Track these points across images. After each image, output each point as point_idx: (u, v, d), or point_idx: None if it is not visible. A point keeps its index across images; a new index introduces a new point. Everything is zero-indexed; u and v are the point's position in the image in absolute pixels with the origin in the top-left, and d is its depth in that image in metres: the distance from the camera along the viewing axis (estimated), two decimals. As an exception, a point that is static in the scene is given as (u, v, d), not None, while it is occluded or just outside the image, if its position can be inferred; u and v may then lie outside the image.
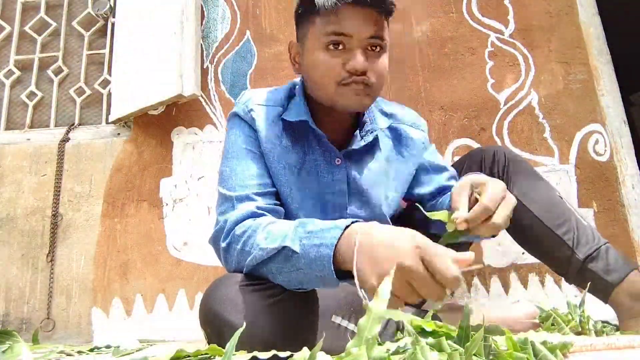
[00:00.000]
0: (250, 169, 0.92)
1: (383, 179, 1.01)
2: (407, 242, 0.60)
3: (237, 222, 0.83)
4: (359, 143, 0.98)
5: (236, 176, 0.91)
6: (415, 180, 1.08)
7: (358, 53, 0.86)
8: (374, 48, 0.88)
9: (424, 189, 1.07)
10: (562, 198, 1.03)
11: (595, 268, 0.94)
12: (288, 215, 0.96)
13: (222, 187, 0.92)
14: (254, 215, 0.84)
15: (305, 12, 0.92)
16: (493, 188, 0.75)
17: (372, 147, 1.01)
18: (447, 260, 0.57)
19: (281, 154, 0.95)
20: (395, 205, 1.06)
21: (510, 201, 0.75)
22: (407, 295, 0.59)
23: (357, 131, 0.98)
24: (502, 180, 0.97)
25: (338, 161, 0.96)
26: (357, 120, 1.00)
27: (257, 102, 0.98)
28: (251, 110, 0.96)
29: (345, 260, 0.65)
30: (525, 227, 1.02)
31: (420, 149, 1.06)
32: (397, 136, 1.05)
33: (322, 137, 0.95)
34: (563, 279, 1.04)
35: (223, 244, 0.83)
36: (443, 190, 1.06)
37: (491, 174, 1.04)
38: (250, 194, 0.88)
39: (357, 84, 0.87)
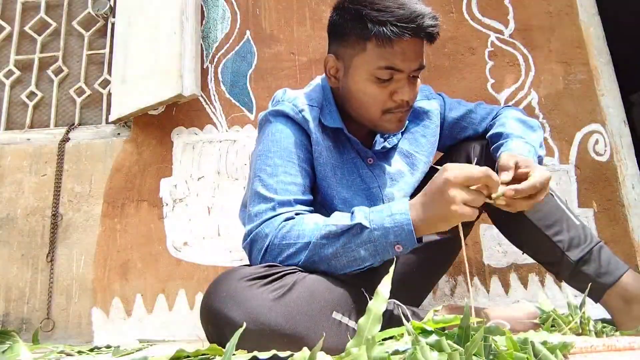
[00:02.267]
0: (293, 172, 0.92)
1: (414, 155, 1.08)
2: (442, 183, 0.73)
3: (281, 224, 0.84)
4: (383, 144, 1.04)
5: (278, 177, 0.90)
6: (456, 132, 1.14)
7: (407, 86, 0.90)
8: (416, 76, 0.92)
9: (467, 134, 1.13)
10: (552, 194, 1.01)
11: (587, 271, 0.93)
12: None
13: (261, 185, 0.90)
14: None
15: (354, 34, 0.89)
16: (541, 170, 0.82)
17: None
18: (469, 168, 0.72)
19: (327, 156, 0.97)
20: (428, 164, 1.11)
21: (549, 187, 0.83)
22: (472, 214, 0.72)
23: (378, 136, 1.05)
24: None
25: (370, 160, 1.02)
26: None
27: (305, 102, 0.97)
28: (302, 110, 0.96)
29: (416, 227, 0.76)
30: (515, 227, 1.02)
31: (438, 116, 1.12)
32: (415, 115, 1.09)
33: (355, 143, 1.00)
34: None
35: (265, 245, 0.83)
36: (488, 125, 1.11)
37: None
38: (292, 199, 0.89)
39: (401, 112, 0.93)
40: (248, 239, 0.87)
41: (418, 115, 1.09)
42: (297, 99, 0.98)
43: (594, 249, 0.95)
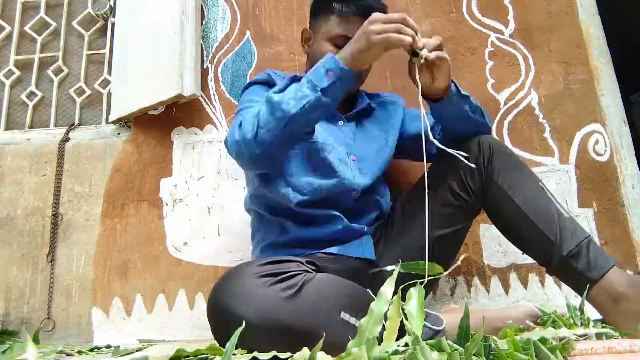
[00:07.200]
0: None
1: (379, 132, 1.29)
2: (364, 23, 0.98)
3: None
4: (357, 107, 1.29)
5: (252, 106, 1.09)
6: (412, 125, 1.34)
7: None
8: None
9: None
10: (544, 188, 1.04)
11: (576, 264, 0.94)
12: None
13: (243, 112, 1.11)
14: None
15: (322, 11, 1.23)
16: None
17: (366, 113, 1.31)
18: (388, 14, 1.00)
19: None
20: (393, 145, 1.30)
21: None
22: (396, 39, 0.97)
23: (354, 102, 1.31)
24: (487, 169, 1.06)
25: (341, 122, 1.25)
26: (351, 99, 1.31)
27: (279, 74, 1.27)
28: (268, 74, 1.24)
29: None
30: (508, 218, 1.04)
31: (401, 106, 1.37)
32: (383, 104, 1.36)
33: None
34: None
35: (237, 130, 1.02)
36: None
37: (477, 164, 1.06)
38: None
39: None
40: (228, 136, 1.07)
41: (386, 104, 1.35)
42: (265, 71, 1.26)
43: (583, 243, 0.95)
